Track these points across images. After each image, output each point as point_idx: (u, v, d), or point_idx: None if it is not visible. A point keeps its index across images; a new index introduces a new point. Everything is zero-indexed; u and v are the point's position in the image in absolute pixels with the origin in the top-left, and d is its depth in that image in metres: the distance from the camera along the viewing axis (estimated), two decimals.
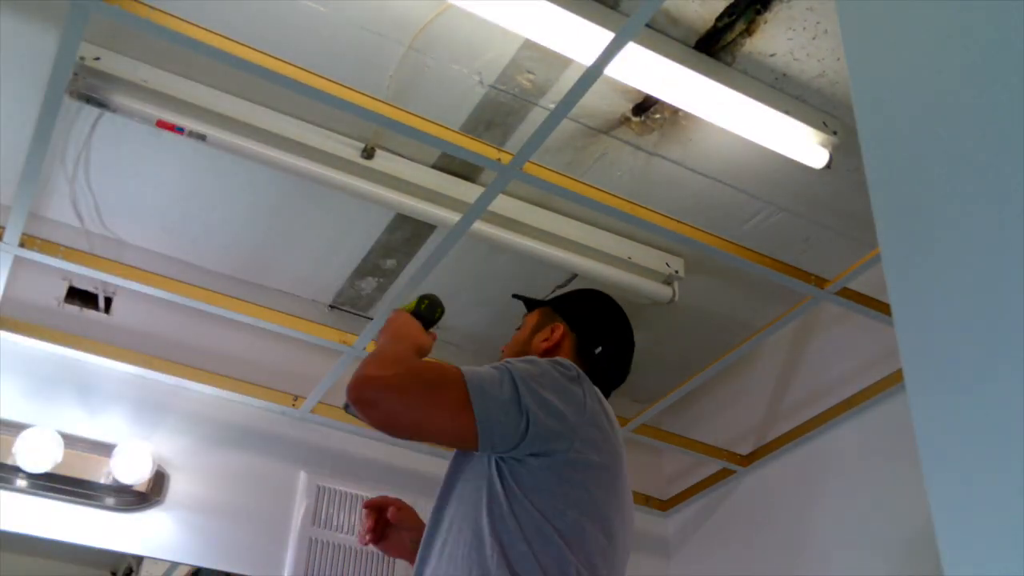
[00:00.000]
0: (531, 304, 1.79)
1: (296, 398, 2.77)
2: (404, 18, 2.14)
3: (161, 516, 2.53)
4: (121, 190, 2.61)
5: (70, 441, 2.46)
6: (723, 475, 3.08)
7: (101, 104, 2.19)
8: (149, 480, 2.52)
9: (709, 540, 3.14)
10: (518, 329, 1.74)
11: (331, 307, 3.07)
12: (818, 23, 2.13)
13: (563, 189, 2.17)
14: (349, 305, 3.07)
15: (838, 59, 2.21)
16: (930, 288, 0.69)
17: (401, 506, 1.63)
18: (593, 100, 2.31)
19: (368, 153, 2.41)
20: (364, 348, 2.56)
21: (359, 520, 2.77)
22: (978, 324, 0.65)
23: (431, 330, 1.66)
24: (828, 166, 2.38)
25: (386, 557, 2.75)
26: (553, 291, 2.95)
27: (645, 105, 2.33)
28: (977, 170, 0.68)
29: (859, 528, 2.58)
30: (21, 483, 2.38)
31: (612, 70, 1.95)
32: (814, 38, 2.16)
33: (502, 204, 2.50)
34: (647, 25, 2.09)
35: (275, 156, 2.34)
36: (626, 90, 2.28)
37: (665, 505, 3.30)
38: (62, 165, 2.51)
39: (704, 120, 2.30)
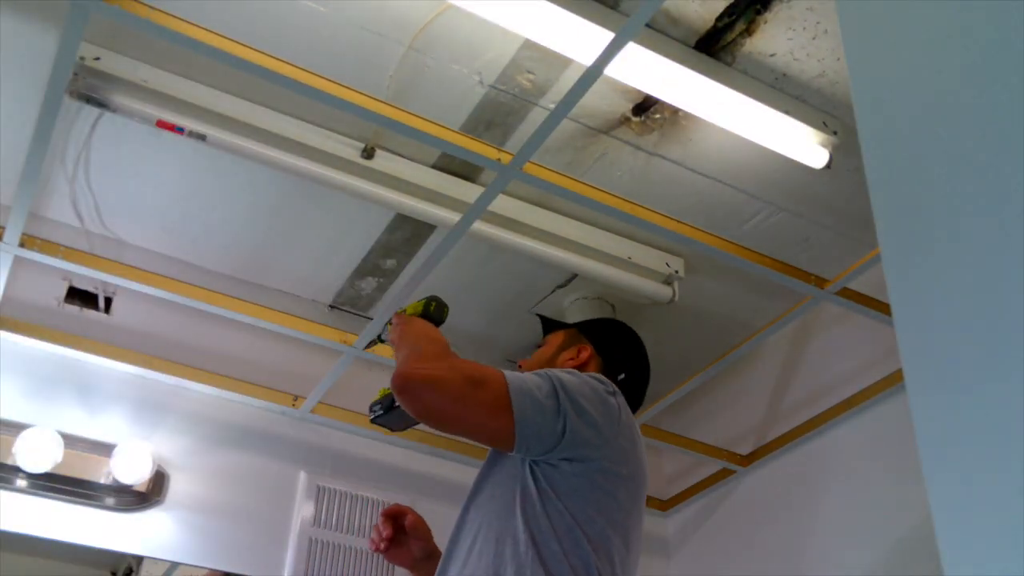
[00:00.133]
0: (553, 325, 1.84)
1: (296, 398, 2.77)
2: (404, 18, 2.14)
3: (161, 516, 2.53)
4: (121, 190, 2.61)
5: (70, 441, 2.46)
6: (723, 475, 3.08)
7: (101, 104, 2.19)
8: (149, 480, 2.52)
9: (709, 540, 3.14)
10: (539, 347, 1.79)
11: (331, 307, 3.07)
12: (818, 23, 2.13)
13: (563, 189, 2.17)
14: (349, 305, 3.08)
15: (838, 59, 2.21)
16: (930, 288, 0.69)
17: (416, 515, 1.68)
18: (593, 100, 2.31)
19: (368, 153, 2.41)
20: (364, 348, 2.56)
21: (368, 524, 2.77)
22: (978, 324, 0.65)
23: None
24: (828, 166, 2.38)
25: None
26: (553, 291, 2.95)
27: (645, 105, 2.33)
28: (977, 170, 0.68)
29: (859, 528, 2.58)
30: (21, 483, 2.38)
31: (612, 70, 1.95)
32: (814, 38, 2.16)
33: (502, 204, 2.50)
34: (647, 25, 2.09)
35: (275, 156, 2.34)
36: (626, 90, 2.28)
37: (665, 505, 3.30)
38: (62, 165, 2.52)
39: (704, 120, 2.30)
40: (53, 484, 2.41)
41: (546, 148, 2.31)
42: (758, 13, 2.11)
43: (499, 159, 2.08)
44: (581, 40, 2.04)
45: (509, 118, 2.39)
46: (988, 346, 0.63)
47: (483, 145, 2.09)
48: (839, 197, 2.58)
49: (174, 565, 2.54)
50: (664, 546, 3.27)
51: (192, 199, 2.65)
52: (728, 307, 2.98)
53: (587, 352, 1.72)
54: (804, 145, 2.33)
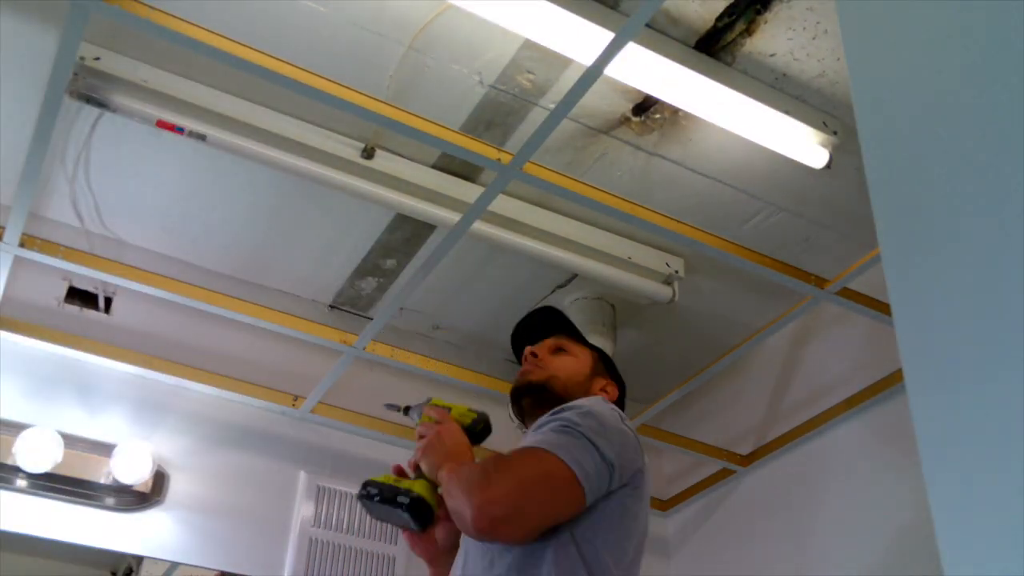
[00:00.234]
0: (574, 332, 1.78)
1: (296, 398, 2.77)
2: (404, 18, 2.14)
3: (161, 516, 2.53)
4: (121, 190, 2.61)
5: (70, 441, 2.46)
6: (723, 475, 3.08)
7: (101, 104, 2.19)
8: (149, 480, 2.52)
9: (709, 540, 3.14)
10: (560, 351, 1.71)
11: (331, 307, 3.07)
12: (818, 23, 2.13)
13: (563, 189, 2.17)
14: (349, 305, 3.07)
15: (838, 59, 2.21)
16: (930, 288, 0.69)
17: None
18: (593, 100, 2.31)
19: (368, 153, 2.41)
20: (364, 348, 2.56)
21: (368, 524, 2.76)
22: (978, 324, 0.65)
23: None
24: (828, 166, 2.38)
25: (386, 557, 2.75)
26: (553, 291, 2.95)
27: (645, 105, 2.33)
28: (977, 170, 0.68)
29: (859, 528, 2.58)
30: (21, 483, 2.38)
31: (612, 70, 1.95)
32: (814, 38, 2.16)
33: (502, 204, 2.50)
34: (647, 25, 2.09)
35: (275, 156, 2.34)
36: (626, 90, 2.28)
37: (665, 505, 3.30)
38: (62, 165, 2.51)
39: (704, 120, 2.30)
40: (53, 484, 2.41)
41: (546, 148, 2.31)
42: (758, 13, 2.11)
43: (499, 159, 2.08)
44: (581, 40, 2.04)
45: (509, 118, 2.39)
46: (988, 346, 0.63)
47: (483, 145, 2.09)
48: (839, 197, 2.58)
49: (174, 565, 2.54)
50: (664, 546, 3.27)
51: (192, 199, 2.65)
52: (728, 307, 2.98)
53: (614, 391, 1.70)
54: (804, 145, 2.33)
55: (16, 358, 2.50)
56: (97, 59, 2.14)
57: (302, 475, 2.77)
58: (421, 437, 1.57)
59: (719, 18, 2.12)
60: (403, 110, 2.01)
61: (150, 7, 1.77)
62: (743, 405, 3.17)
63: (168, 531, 2.53)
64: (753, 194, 2.60)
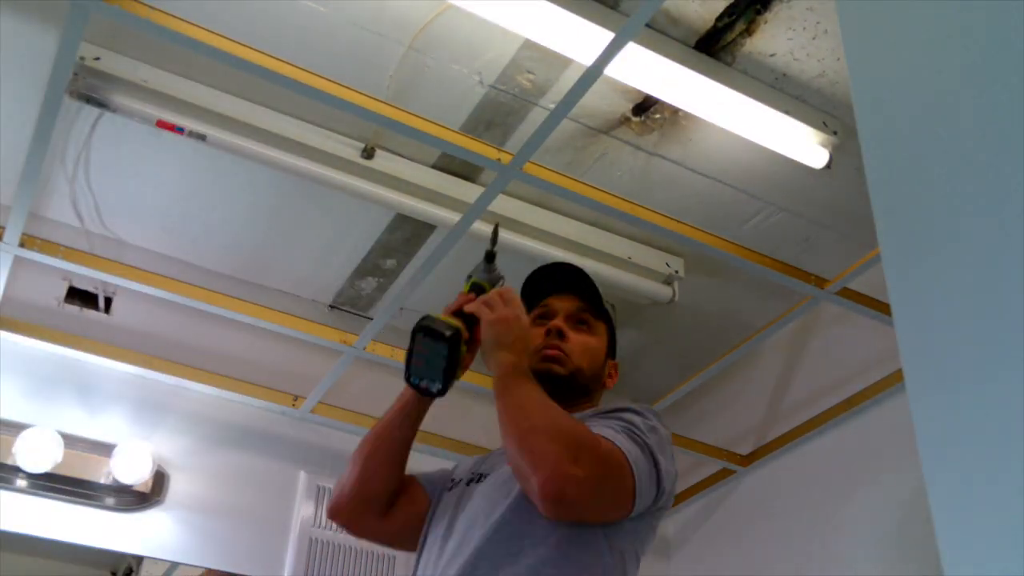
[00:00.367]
0: (602, 309, 1.67)
1: (296, 398, 2.77)
2: (404, 18, 2.14)
3: (161, 516, 2.53)
4: (121, 190, 2.61)
5: (70, 441, 2.46)
6: (723, 475, 3.08)
7: (101, 104, 2.19)
8: (149, 480, 2.52)
9: (709, 540, 3.14)
10: (581, 323, 1.61)
11: (331, 307, 3.07)
12: (818, 23, 2.13)
13: (563, 189, 2.16)
14: (349, 305, 3.07)
15: (838, 59, 2.21)
16: (930, 288, 0.69)
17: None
18: (593, 100, 2.31)
19: (368, 153, 2.41)
20: (364, 348, 2.56)
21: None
22: (978, 324, 0.65)
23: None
24: (828, 166, 2.38)
25: (386, 557, 2.75)
26: None
27: (645, 105, 2.33)
28: (977, 170, 0.68)
29: (859, 528, 2.58)
30: (21, 483, 2.38)
31: (612, 70, 1.95)
32: (814, 38, 2.16)
33: (502, 204, 2.49)
34: (647, 25, 2.09)
35: (275, 156, 2.34)
36: (626, 90, 2.28)
37: None
38: (62, 165, 2.51)
39: (704, 120, 2.30)
40: (53, 484, 2.41)
41: (546, 148, 2.30)
42: (758, 13, 2.11)
43: (499, 159, 2.08)
44: (581, 40, 2.04)
45: (509, 118, 2.39)
46: (988, 346, 0.63)
47: (483, 145, 2.09)
48: (839, 197, 2.58)
49: (174, 565, 2.54)
50: (664, 546, 3.27)
51: (192, 199, 2.65)
52: (728, 307, 2.97)
53: (616, 373, 1.64)
54: (804, 145, 2.33)
55: (16, 358, 2.50)
56: (97, 59, 2.15)
57: (302, 475, 2.77)
58: (485, 303, 1.49)
59: (719, 18, 2.12)
60: (403, 110, 2.01)
61: (150, 7, 1.77)
62: (743, 405, 3.17)
63: (168, 531, 2.53)
64: (753, 194, 2.60)
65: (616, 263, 2.69)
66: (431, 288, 2.86)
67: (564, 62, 2.21)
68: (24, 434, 2.39)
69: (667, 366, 3.15)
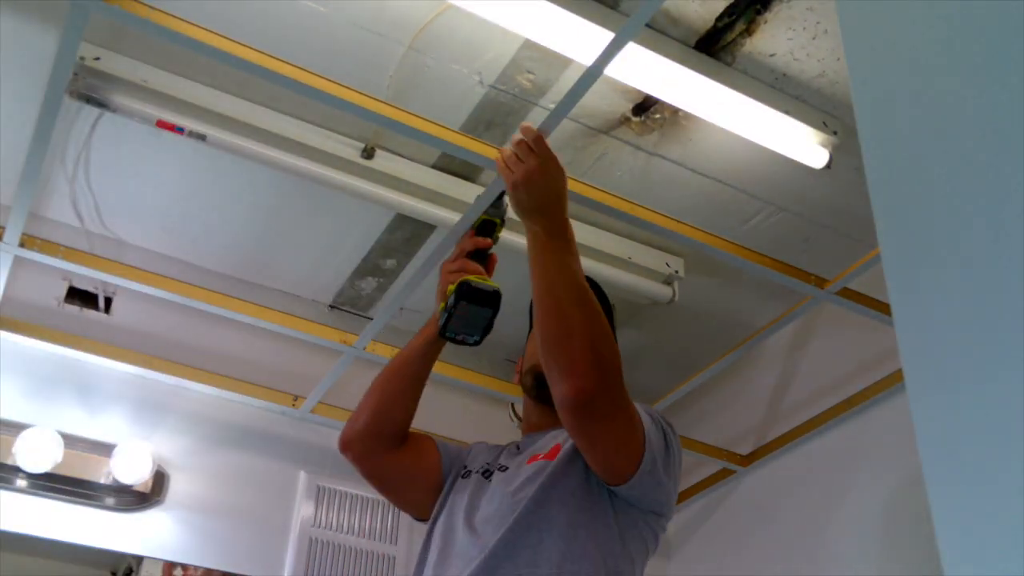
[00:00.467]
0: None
1: (296, 398, 2.77)
2: (404, 18, 2.14)
3: (161, 516, 2.53)
4: (121, 190, 2.61)
5: (70, 441, 2.46)
6: (723, 475, 3.08)
7: (101, 104, 2.19)
8: (149, 480, 2.52)
9: (709, 540, 3.14)
10: None
11: (331, 307, 3.07)
12: (818, 23, 2.13)
13: None
14: (349, 305, 3.07)
15: (838, 59, 2.21)
16: (930, 288, 0.69)
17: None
18: (593, 100, 2.31)
19: (368, 153, 2.41)
20: (364, 348, 2.56)
21: (368, 524, 2.75)
22: (978, 324, 0.65)
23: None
24: (828, 166, 2.38)
25: (386, 557, 2.75)
26: None
27: (645, 105, 2.33)
28: (977, 170, 0.68)
29: (859, 528, 2.58)
30: (21, 483, 2.38)
31: (612, 70, 1.95)
32: (814, 38, 2.16)
33: None
34: (647, 25, 2.09)
35: (275, 156, 2.34)
36: (626, 90, 2.28)
37: None
38: (62, 165, 2.51)
39: (704, 120, 2.30)
40: (53, 484, 2.41)
41: None
42: (758, 13, 2.11)
43: None
44: (581, 40, 2.04)
45: (509, 118, 2.39)
46: (988, 346, 0.63)
47: (483, 145, 2.09)
48: (839, 197, 2.58)
49: (174, 565, 2.54)
50: (664, 546, 3.27)
51: (192, 199, 2.65)
52: (728, 307, 2.97)
53: None
54: (804, 145, 2.33)
55: (16, 358, 2.50)
56: (97, 59, 2.15)
57: (302, 475, 2.77)
58: (506, 163, 1.48)
59: (719, 18, 2.12)
60: (403, 110, 2.01)
61: (150, 7, 1.77)
62: (743, 405, 3.17)
63: (168, 531, 2.53)
64: (753, 194, 2.60)
65: (616, 263, 2.69)
66: (431, 288, 2.86)
67: (564, 62, 2.21)
68: (24, 434, 2.39)
69: (667, 366, 3.14)
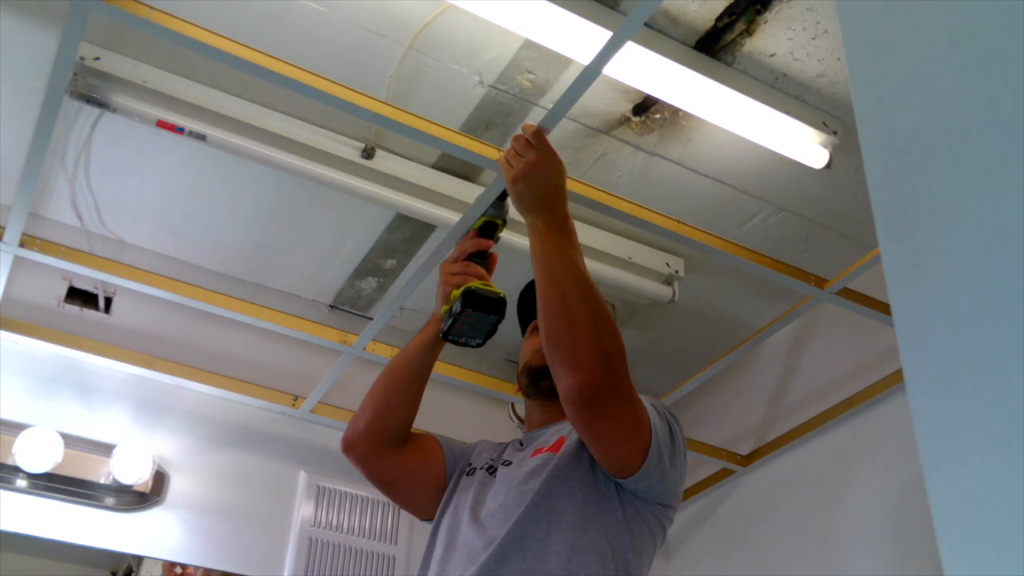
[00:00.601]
0: None
1: (296, 398, 2.77)
2: (404, 18, 2.14)
3: (161, 516, 2.53)
4: (121, 190, 2.61)
5: (70, 441, 2.46)
6: (723, 475, 3.08)
7: (101, 104, 2.19)
8: (149, 480, 2.52)
9: (709, 540, 3.14)
10: None
11: (331, 307, 3.07)
12: (818, 23, 2.13)
13: None
14: (349, 305, 3.07)
15: (838, 59, 2.21)
16: (930, 288, 0.69)
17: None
18: (593, 100, 2.31)
19: (368, 153, 2.41)
20: (364, 348, 2.56)
21: (368, 524, 2.76)
22: (978, 324, 0.65)
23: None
24: (828, 166, 2.38)
25: (386, 557, 2.75)
26: None
27: (645, 105, 2.33)
28: (977, 170, 0.68)
29: (859, 528, 2.58)
30: (21, 483, 2.38)
31: (612, 70, 1.95)
32: (814, 38, 2.16)
33: None
34: (647, 25, 2.09)
35: (275, 156, 2.34)
36: (626, 90, 2.28)
37: None
38: (62, 165, 2.52)
39: (704, 120, 2.30)
40: (53, 484, 2.41)
41: None
42: (758, 13, 2.11)
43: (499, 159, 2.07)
44: (581, 40, 2.04)
45: (509, 118, 2.39)
46: (988, 346, 0.63)
47: (483, 145, 2.09)
48: (839, 197, 2.58)
49: (174, 565, 2.54)
50: (664, 546, 3.27)
51: (192, 199, 2.65)
52: (728, 307, 2.98)
53: None
54: (804, 145, 2.33)
55: (16, 358, 2.50)
56: (97, 59, 2.14)
57: (302, 475, 2.77)
58: (506, 158, 1.49)
59: (719, 18, 2.12)
60: (403, 110, 2.01)
61: (150, 7, 1.77)
62: (743, 405, 3.17)
63: (168, 531, 2.53)
64: (753, 194, 2.60)
65: (616, 263, 2.69)
66: (431, 288, 2.86)
67: (564, 62, 2.21)
68: (24, 434, 2.39)
69: (667, 366, 3.15)
